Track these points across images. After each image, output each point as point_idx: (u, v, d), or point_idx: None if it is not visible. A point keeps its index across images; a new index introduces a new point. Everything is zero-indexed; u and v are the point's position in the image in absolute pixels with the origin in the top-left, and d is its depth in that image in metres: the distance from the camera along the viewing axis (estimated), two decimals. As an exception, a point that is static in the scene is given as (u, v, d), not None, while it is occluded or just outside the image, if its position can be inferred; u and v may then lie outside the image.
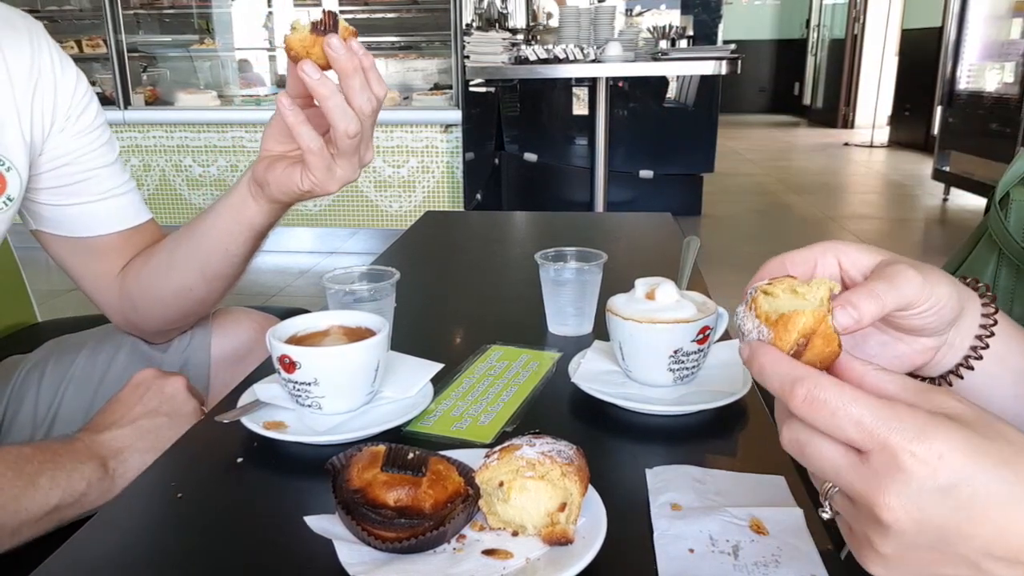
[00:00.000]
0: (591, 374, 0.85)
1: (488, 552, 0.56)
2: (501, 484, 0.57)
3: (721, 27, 5.67)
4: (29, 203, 0.95)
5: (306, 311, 0.87)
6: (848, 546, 0.43)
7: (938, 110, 6.30)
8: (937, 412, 0.39)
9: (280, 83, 4.91)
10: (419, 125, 4.25)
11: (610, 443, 0.76)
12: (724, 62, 3.50)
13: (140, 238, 1.01)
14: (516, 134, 5.07)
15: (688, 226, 4.75)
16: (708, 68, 3.67)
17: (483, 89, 4.62)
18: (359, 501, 0.55)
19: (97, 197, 0.96)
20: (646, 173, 5.14)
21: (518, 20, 5.59)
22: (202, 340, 1.09)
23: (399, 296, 0.97)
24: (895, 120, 8.84)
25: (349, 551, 0.55)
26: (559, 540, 0.56)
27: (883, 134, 8.88)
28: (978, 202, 5.21)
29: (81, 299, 1.04)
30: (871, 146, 8.63)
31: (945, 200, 5.73)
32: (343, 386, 0.75)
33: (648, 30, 4.51)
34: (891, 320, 0.51)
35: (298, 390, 0.74)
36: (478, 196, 4.45)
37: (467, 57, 3.78)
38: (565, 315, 1.02)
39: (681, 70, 4.56)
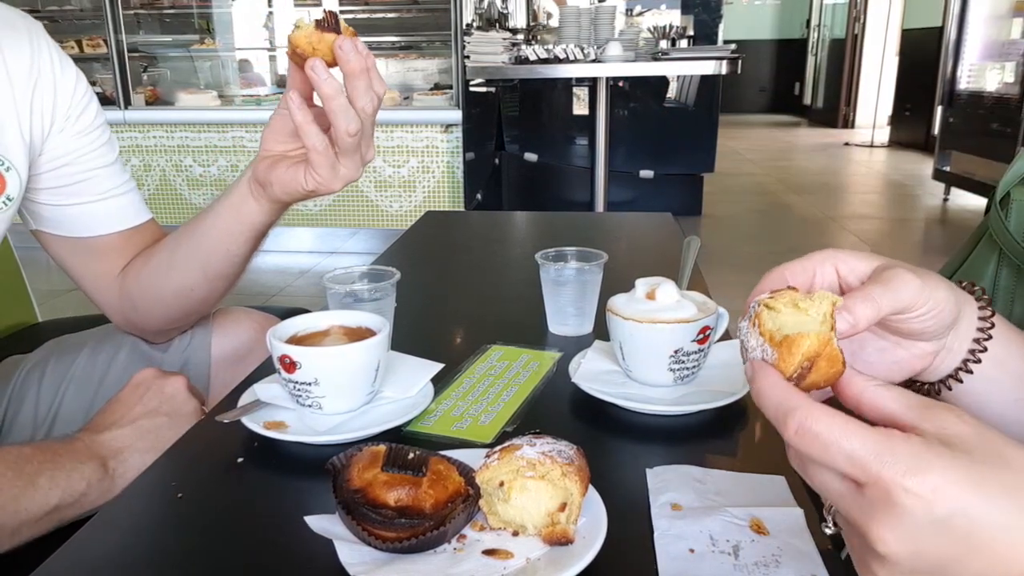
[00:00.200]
0: (591, 374, 0.85)
1: (488, 552, 0.56)
2: (501, 484, 0.57)
3: (721, 27, 5.67)
4: (29, 203, 0.95)
5: (306, 311, 0.87)
6: (852, 560, 0.43)
7: (938, 110, 6.30)
8: (936, 435, 0.39)
9: (281, 83, 4.91)
10: (419, 125, 4.25)
11: (610, 443, 0.76)
12: (724, 62, 3.50)
13: (140, 238, 1.01)
14: (516, 134, 5.07)
15: (688, 226, 4.75)
16: (708, 68, 3.67)
17: (483, 89, 4.62)
18: (359, 501, 0.55)
19: (97, 197, 0.96)
20: (646, 173, 5.13)
21: (518, 20, 5.59)
22: (202, 340, 1.09)
23: (399, 296, 0.97)
24: (895, 120, 8.83)
25: (349, 551, 0.55)
26: (559, 540, 0.56)
27: (883, 134, 8.87)
28: (979, 202, 5.21)
29: (81, 299, 1.04)
30: (871, 146, 8.63)
31: (945, 200, 5.72)
32: (343, 386, 0.75)
33: (648, 30, 4.50)
34: (889, 324, 0.51)
35: (298, 390, 0.74)
36: (478, 196, 4.45)
37: (467, 57, 3.78)
38: (565, 315, 1.02)
39: (681, 70, 4.55)
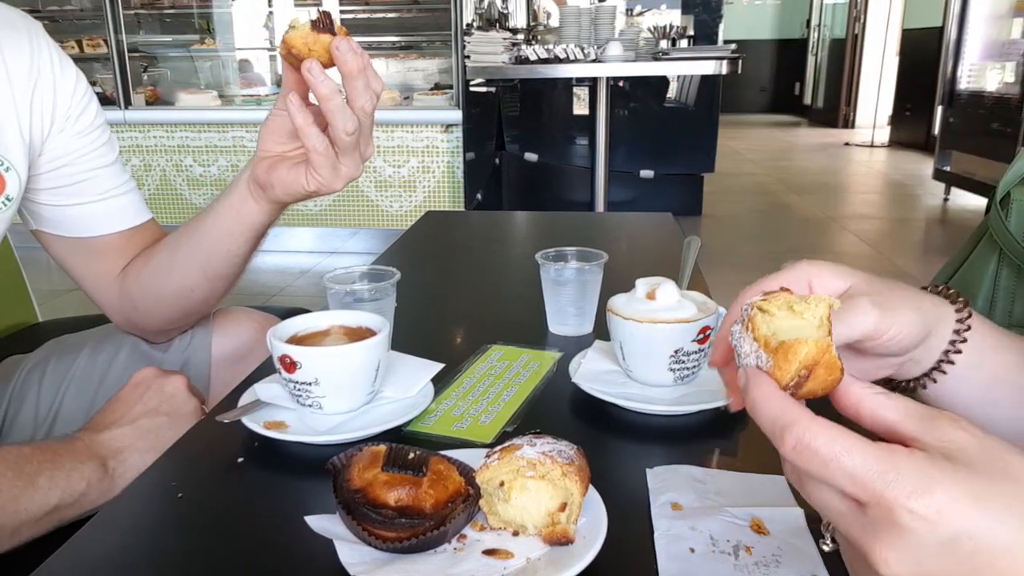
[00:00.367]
0: (592, 374, 0.85)
1: (489, 552, 0.56)
2: (502, 484, 0.57)
3: (722, 27, 5.67)
4: (29, 203, 0.95)
5: (307, 311, 0.87)
6: None
7: (939, 110, 6.30)
8: (938, 448, 0.37)
9: (281, 83, 4.90)
10: (420, 125, 4.25)
11: (611, 443, 0.76)
12: (725, 62, 3.50)
13: (141, 238, 1.01)
14: (517, 134, 5.07)
15: (689, 226, 4.75)
16: (709, 68, 3.67)
17: (484, 89, 4.62)
18: (360, 501, 0.55)
19: (97, 197, 0.96)
20: (647, 173, 5.14)
21: (519, 20, 5.59)
22: (203, 340, 1.09)
23: (400, 296, 0.97)
24: (896, 120, 8.83)
25: (350, 551, 0.55)
26: (560, 540, 0.56)
27: (884, 134, 8.87)
28: (979, 202, 5.21)
29: (82, 299, 1.04)
30: (872, 146, 8.63)
31: (946, 200, 5.72)
32: (344, 386, 0.75)
33: (648, 30, 4.50)
34: (850, 346, 0.51)
35: (299, 390, 0.74)
36: (479, 196, 4.45)
37: (468, 57, 3.78)
38: (566, 315, 1.02)
39: (682, 70, 4.55)
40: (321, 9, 0.76)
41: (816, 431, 0.38)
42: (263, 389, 0.79)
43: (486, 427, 0.77)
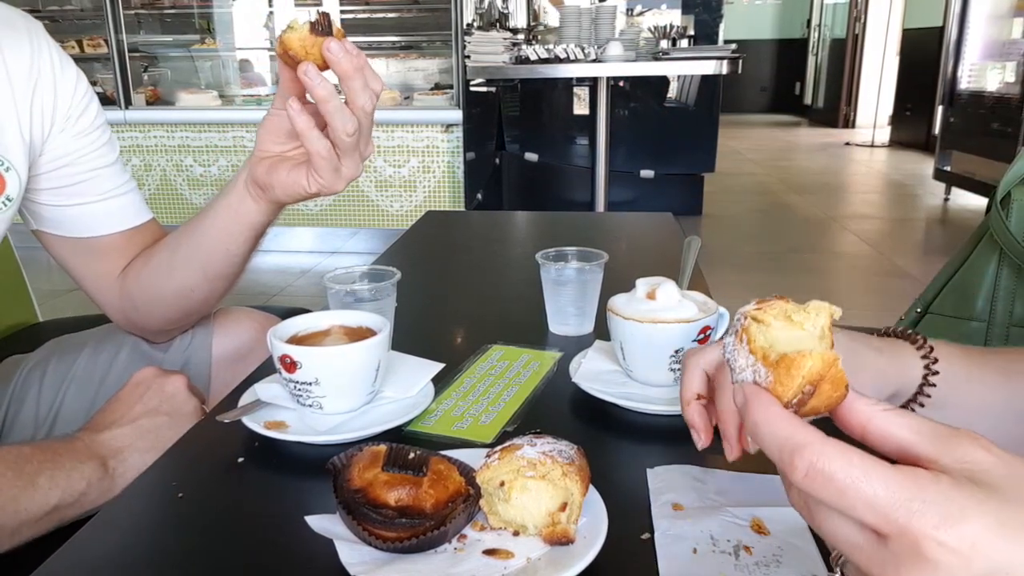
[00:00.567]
0: (592, 374, 0.85)
1: (489, 552, 0.56)
2: (502, 484, 0.57)
3: (722, 27, 5.67)
4: (30, 203, 0.95)
5: (307, 311, 0.87)
6: None
7: (939, 110, 6.30)
8: (961, 470, 0.34)
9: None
10: (420, 125, 4.25)
11: (611, 443, 0.76)
12: (725, 62, 3.50)
13: (141, 238, 1.01)
14: (517, 134, 5.07)
15: (689, 226, 4.75)
16: (709, 68, 3.67)
17: (484, 89, 4.62)
18: (360, 501, 0.55)
19: (98, 197, 0.96)
20: (647, 173, 5.14)
21: (519, 20, 5.59)
22: (203, 340, 1.09)
23: (400, 296, 0.97)
24: (896, 120, 8.83)
25: (350, 551, 0.55)
26: (560, 540, 0.56)
27: (884, 134, 8.87)
28: (979, 202, 5.21)
29: (82, 299, 1.04)
30: (872, 146, 8.63)
31: (946, 200, 5.72)
32: (344, 386, 0.75)
33: (649, 30, 4.50)
34: None
35: (299, 390, 0.74)
36: (479, 196, 4.45)
37: (468, 57, 3.78)
38: (566, 315, 1.02)
39: (682, 70, 4.55)
40: (320, 10, 0.76)
41: (831, 455, 0.35)
42: (263, 389, 0.79)
43: (486, 427, 0.77)
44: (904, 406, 0.55)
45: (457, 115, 4.19)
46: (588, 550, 0.54)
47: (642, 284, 0.83)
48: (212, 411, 0.81)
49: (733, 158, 7.74)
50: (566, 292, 1.01)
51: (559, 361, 0.93)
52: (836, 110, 10.46)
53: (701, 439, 0.59)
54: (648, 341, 0.80)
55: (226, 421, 0.74)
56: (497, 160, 4.97)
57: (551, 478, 0.56)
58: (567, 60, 3.58)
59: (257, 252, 0.96)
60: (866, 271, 4.16)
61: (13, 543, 0.73)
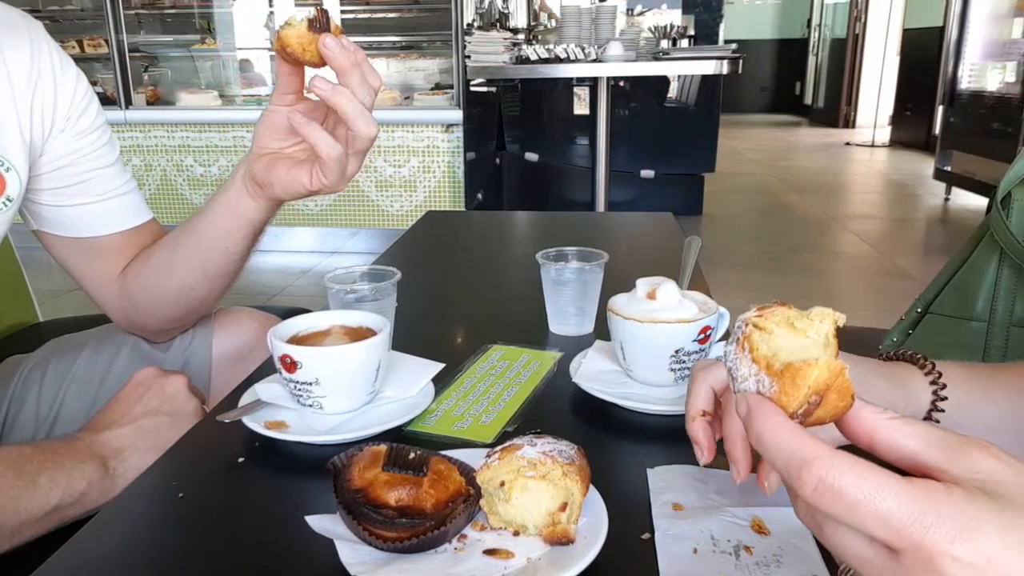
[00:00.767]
0: (592, 374, 0.85)
1: (489, 552, 0.56)
2: (502, 484, 0.57)
3: (722, 27, 5.67)
4: (30, 204, 0.95)
5: (307, 311, 0.87)
6: None
7: (939, 110, 6.30)
8: (972, 481, 0.33)
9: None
10: (420, 125, 4.25)
11: (611, 443, 0.76)
12: (725, 62, 3.50)
13: (142, 238, 1.01)
14: (517, 134, 5.07)
15: (689, 226, 4.75)
16: (709, 68, 3.67)
17: (484, 89, 4.62)
18: (360, 501, 0.55)
19: (98, 198, 0.96)
20: (647, 173, 5.14)
21: (519, 20, 5.59)
22: (203, 340, 1.09)
23: (400, 296, 0.97)
24: (896, 120, 8.83)
25: (350, 551, 0.55)
26: (560, 540, 0.56)
27: (884, 134, 8.87)
28: (980, 202, 5.21)
29: (82, 299, 1.04)
30: (872, 146, 8.63)
31: (946, 200, 5.72)
32: (344, 386, 0.75)
33: (649, 30, 4.50)
34: None
35: (299, 390, 0.74)
36: (479, 196, 4.46)
37: (468, 57, 3.78)
38: (566, 315, 1.02)
39: (682, 70, 4.56)
40: (318, 7, 0.76)
41: (841, 469, 0.34)
42: (264, 389, 0.79)
43: (487, 427, 0.77)
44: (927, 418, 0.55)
45: (457, 115, 4.19)
46: (588, 550, 0.54)
47: (642, 284, 0.83)
48: (212, 411, 0.81)
49: (733, 158, 7.74)
50: (566, 292, 1.01)
51: (559, 361, 0.93)
52: (836, 110, 10.46)
53: (704, 456, 0.59)
54: (648, 341, 0.80)
55: (226, 421, 0.74)
56: (497, 160, 4.97)
57: (551, 478, 0.56)
58: (567, 60, 3.58)
59: (256, 250, 0.96)
60: (866, 271, 4.16)
61: (13, 543, 0.73)
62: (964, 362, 0.59)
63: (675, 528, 0.59)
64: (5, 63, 0.87)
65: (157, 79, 4.84)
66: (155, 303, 0.99)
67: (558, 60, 3.58)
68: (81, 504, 0.77)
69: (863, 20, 9.92)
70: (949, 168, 5.56)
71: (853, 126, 10.08)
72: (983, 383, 0.58)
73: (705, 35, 5.45)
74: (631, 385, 0.83)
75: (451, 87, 4.32)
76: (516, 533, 0.58)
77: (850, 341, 0.42)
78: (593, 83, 3.96)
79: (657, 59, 3.85)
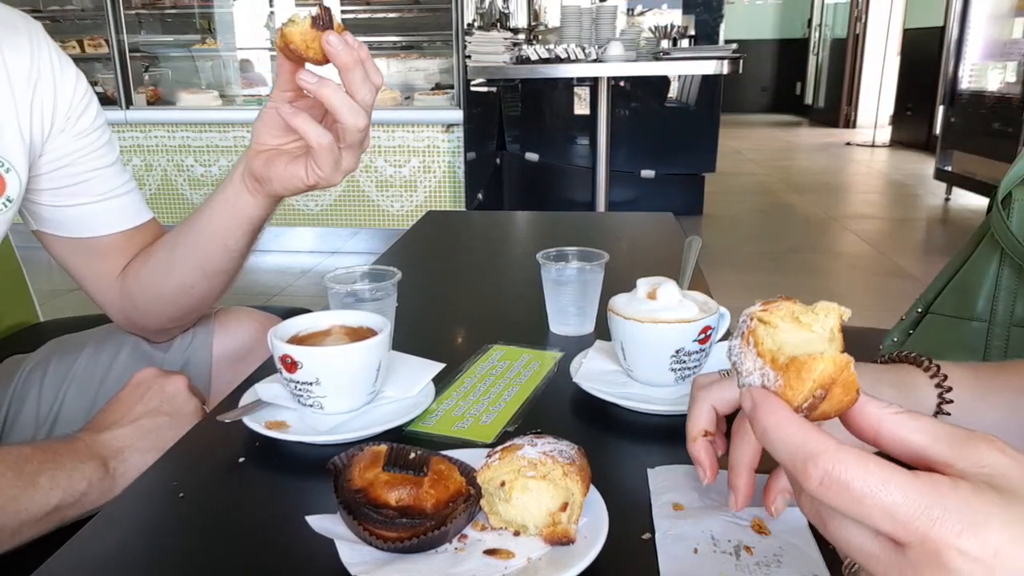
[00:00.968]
0: (593, 374, 0.85)
1: (490, 552, 0.56)
2: (503, 484, 0.57)
3: (723, 27, 5.67)
4: (30, 204, 0.95)
5: (308, 311, 0.87)
6: None
7: (940, 110, 6.30)
8: (979, 475, 0.33)
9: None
10: (420, 125, 4.25)
11: (612, 443, 0.76)
12: (726, 62, 3.51)
13: (142, 238, 1.01)
14: (517, 134, 5.07)
15: (690, 226, 4.75)
16: (710, 68, 3.67)
17: (484, 89, 4.62)
18: (361, 501, 0.55)
19: (98, 198, 0.96)
20: (648, 173, 5.14)
21: (519, 20, 5.59)
22: (204, 339, 1.09)
23: (400, 296, 0.97)
24: (897, 120, 8.83)
25: (351, 551, 0.55)
26: (561, 540, 0.56)
27: (885, 134, 8.87)
28: (980, 202, 5.21)
29: (82, 299, 1.04)
30: (873, 146, 8.63)
31: (947, 200, 5.72)
32: (344, 386, 0.75)
33: (649, 30, 4.50)
34: None
35: (300, 390, 0.74)
36: (479, 196, 4.46)
37: (468, 57, 3.78)
38: (567, 315, 1.02)
39: (683, 70, 4.56)
40: (321, 5, 0.76)
41: (847, 462, 0.34)
42: (264, 389, 0.79)
43: (487, 427, 0.77)
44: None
45: (458, 115, 4.19)
46: (589, 550, 0.54)
47: (643, 284, 0.83)
48: (213, 411, 0.81)
49: (734, 158, 7.74)
50: (567, 292, 1.01)
51: (560, 361, 0.93)
52: (837, 110, 10.46)
53: (707, 476, 0.60)
54: (649, 341, 0.79)
55: (227, 421, 0.74)
56: (498, 160, 4.97)
57: (552, 478, 0.56)
58: (568, 60, 3.58)
59: (255, 249, 0.96)
60: (866, 271, 4.16)
61: (14, 543, 0.73)
62: (965, 362, 0.59)
63: (676, 528, 0.59)
64: (5, 63, 0.87)
65: (157, 79, 4.84)
66: (155, 302, 0.99)
67: (558, 60, 3.58)
68: (81, 504, 0.77)
69: (863, 20, 9.92)
70: (950, 168, 5.56)
71: (854, 126, 10.08)
72: (985, 383, 0.58)
73: (705, 35, 5.44)
74: (631, 385, 0.83)
75: (451, 87, 4.32)
76: (516, 533, 0.57)
77: (850, 341, 0.42)
78: (593, 83, 3.97)
79: (657, 59, 3.85)
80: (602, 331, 0.92)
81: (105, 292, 1.01)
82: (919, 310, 1.03)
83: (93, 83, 1.03)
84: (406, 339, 0.92)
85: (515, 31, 4.79)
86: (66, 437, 0.82)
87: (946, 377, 0.56)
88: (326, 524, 0.57)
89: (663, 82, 5.21)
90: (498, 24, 4.73)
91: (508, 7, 5.26)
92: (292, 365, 0.72)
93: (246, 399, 0.80)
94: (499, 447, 0.59)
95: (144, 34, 4.84)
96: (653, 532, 0.59)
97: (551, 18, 5.80)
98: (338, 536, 0.56)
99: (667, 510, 0.61)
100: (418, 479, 0.56)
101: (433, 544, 0.56)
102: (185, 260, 0.95)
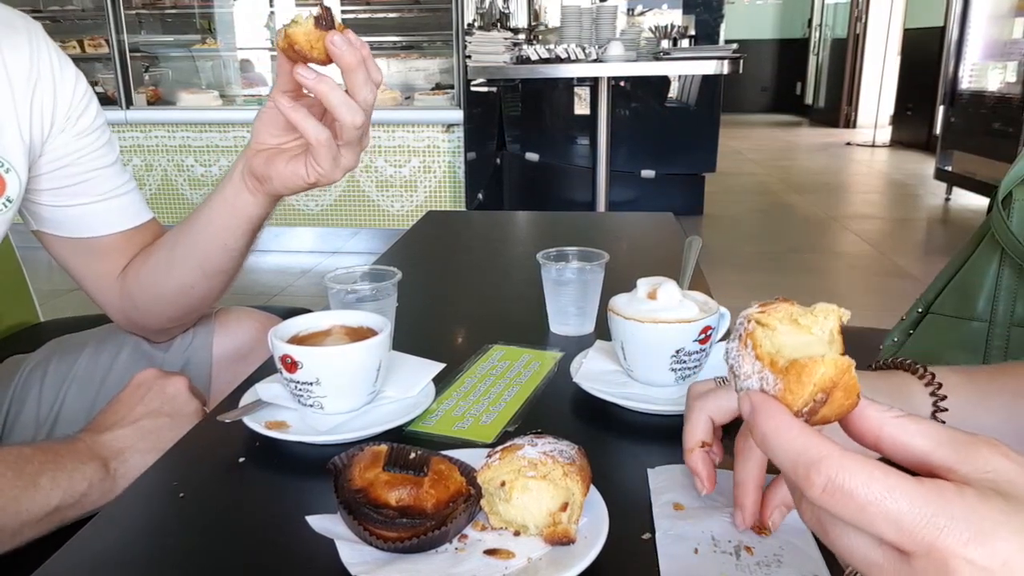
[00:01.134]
0: (593, 374, 0.85)
1: (490, 552, 0.56)
2: (503, 484, 0.57)
3: (723, 27, 5.67)
4: (30, 204, 0.95)
5: (308, 311, 0.87)
6: None
7: (940, 110, 6.30)
8: (983, 481, 0.32)
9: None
10: (421, 125, 4.25)
11: (612, 443, 0.76)
12: (726, 62, 3.51)
13: (142, 238, 1.01)
14: (518, 134, 5.07)
15: (690, 226, 4.75)
16: (710, 68, 3.67)
17: (485, 89, 4.62)
18: (361, 501, 0.55)
19: (98, 198, 0.96)
20: (648, 173, 5.13)
21: (520, 19, 5.59)
22: (204, 340, 1.09)
23: (401, 296, 0.97)
24: (897, 120, 8.83)
25: (351, 551, 0.55)
26: (561, 540, 0.56)
27: (885, 134, 8.87)
28: (980, 202, 5.21)
29: (83, 299, 1.04)
30: (873, 146, 8.63)
31: (947, 200, 5.72)
32: (345, 386, 0.75)
33: (650, 30, 4.50)
34: None
35: (300, 390, 0.74)
36: (480, 196, 4.45)
37: (469, 57, 3.78)
38: (567, 315, 1.02)
39: (683, 70, 4.56)
40: (322, 5, 0.76)
41: (851, 469, 0.33)
42: (264, 389, 0.79)
43: (487, 427, 0.77)
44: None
45: (458, 115, 4.19)
46: (589, 550, 0.54)
47: (643, 284, 0.83)
48: (213, 411, 0.81)
49: (734, 158, 7.73)
50: (567, 292, 1.01)
51: (560, 361, 0.93)
52: (837, 110, 10.46)
53: (705, 487, 0.60)
54: (649, 341, 0.80)
55: (227, 421, 0.74)
56: (498, 160, 4.97)
57: (552, 478, 0.56)
58: (568, 60, 3.58)
59: (255, 248, 0.96)
60: (867, 271, 4.16)
61: (14, 543, 0.73)
62: (960, 367, 0.59)
63: (676, 528, 0.59)
64: (4, 64, 0.87)
65: (158, 79, 4.84)
66: (155, 302, 0.99)
67: (559, 60, 3.58)
68: (82, 505, 0.77)
69: (864, 20, 9.91)
70: (950, 168, 5.56)
71: (854, 126, 10.08)
72: (980, 387, 0.58)
73: (706, 35, 5.44)
74: (632, 385, 0.83)
75: (452, 87, 4.32)
76: (517, 533, 0.57)
77: (850, 341, 0.42)
78: (594, 83, 3.97)
79: (658, 59, 3.85)
80: (602, 331, 0.92)
81: (105, 292, 1.01)
82: (919, 310, 1.03)
83: (93, 83, 1.03)
84: (406, 339, 0.92)
85: (515, 31, 4.80)
86: (67, 438, 0.82)
87: (941, 384, 0.55)
88: (326, 524, 0.57)
89: (663, 82, 5.21)
90: (498, 24, 4.74)
91: (508, 7, 5.26)
92: (292, 365, 0.72)
93: (246, 399, 0.80)
94: (499, 447, 0.59)
95: (144, 34, 4.84)
96: (653, 532, 0.59)
97: (551, 18, 5.80)
98: (338, 536, 0.56)
99: (667, 510, 0.61)
100: (418, 479, 0.56)
101: (433, 544, 0.56)
102: (185, 260, 0.95)
